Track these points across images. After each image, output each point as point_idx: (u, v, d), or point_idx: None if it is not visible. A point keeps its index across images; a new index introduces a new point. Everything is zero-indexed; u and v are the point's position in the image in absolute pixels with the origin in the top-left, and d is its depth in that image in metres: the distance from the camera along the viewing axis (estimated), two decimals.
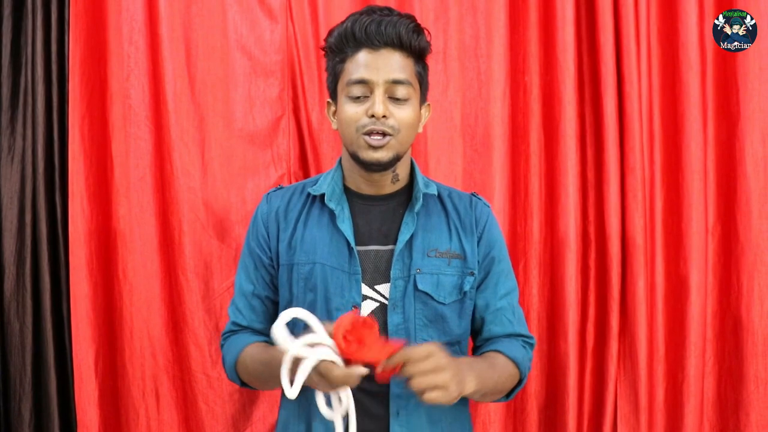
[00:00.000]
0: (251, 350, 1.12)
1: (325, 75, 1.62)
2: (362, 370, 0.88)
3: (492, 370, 1.07)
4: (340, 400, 0.94)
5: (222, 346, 1.21)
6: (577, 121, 1.65)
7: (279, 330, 0.88)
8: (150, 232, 1.61)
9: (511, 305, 1.17)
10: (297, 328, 1.05)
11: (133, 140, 1.61)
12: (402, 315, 1.09)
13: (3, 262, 1.60)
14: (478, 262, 1.15)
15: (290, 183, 1.65)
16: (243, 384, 1.17)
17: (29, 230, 1.60)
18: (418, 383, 0.88)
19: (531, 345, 1.19)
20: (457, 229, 1.15)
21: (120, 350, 1.60)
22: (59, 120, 1.59)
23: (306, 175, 1.66)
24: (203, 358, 1.60)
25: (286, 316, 0.90)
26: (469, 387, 0.96)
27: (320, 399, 0.95)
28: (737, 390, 1.68)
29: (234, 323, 1.19)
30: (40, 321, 1.60)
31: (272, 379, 1.01)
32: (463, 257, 1.13)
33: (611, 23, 1.62)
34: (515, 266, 1.61)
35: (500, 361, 1.11)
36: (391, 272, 1.09)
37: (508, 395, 1.14)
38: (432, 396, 0.88)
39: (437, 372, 0.89)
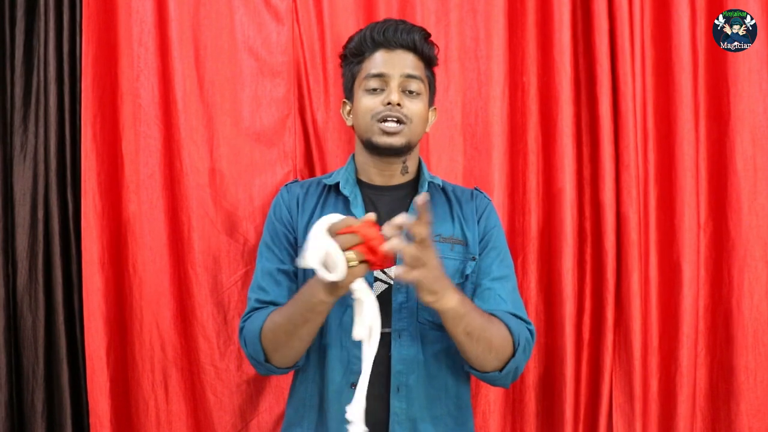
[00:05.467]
0: (276, 310, 1.14)
1: (329, 76, 1.69)
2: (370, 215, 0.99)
3: (479, 313, 1.08)
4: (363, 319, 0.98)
5: (242, 329, 1.21)
6: (574, 120, 1.70)
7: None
8: (160, 228, 1.64)
9: (504, 288, 1.19)
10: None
11: (143, 138, 1.64)
12: (405, 295, 1.16)
13: (16, 257, 1.63)
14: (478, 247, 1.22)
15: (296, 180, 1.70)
16: (266, 359, 1.15)
17: (41, 226, 1.63)
18: (408, 254, 0.95)
19: (529, 329, 1.17)
20: (459, 217, 1.23)
21: (130, 343, 1.64)
22: (71, 119, 1.63)
23: (311, 171, 1.70)
24: (212, 350, 1.64)
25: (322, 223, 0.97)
26: (451, 298, 1.00)
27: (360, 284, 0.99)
28: (728, 380, 1.73)
29: (257, 300, 1.21)
30: (52, 314, 1.63)
31: (301, 325, 1.06)
32: (465, 243, 1.21)
33: (606, 26, 1.66)
34: (514, 261, 1.65)
35: (493, 318, 1.11)
36: (397, 255, 1.14)
37: (501, 369, 1.12)
38: (414, 274, 0.95)
39: (426, 253, 0.96)
